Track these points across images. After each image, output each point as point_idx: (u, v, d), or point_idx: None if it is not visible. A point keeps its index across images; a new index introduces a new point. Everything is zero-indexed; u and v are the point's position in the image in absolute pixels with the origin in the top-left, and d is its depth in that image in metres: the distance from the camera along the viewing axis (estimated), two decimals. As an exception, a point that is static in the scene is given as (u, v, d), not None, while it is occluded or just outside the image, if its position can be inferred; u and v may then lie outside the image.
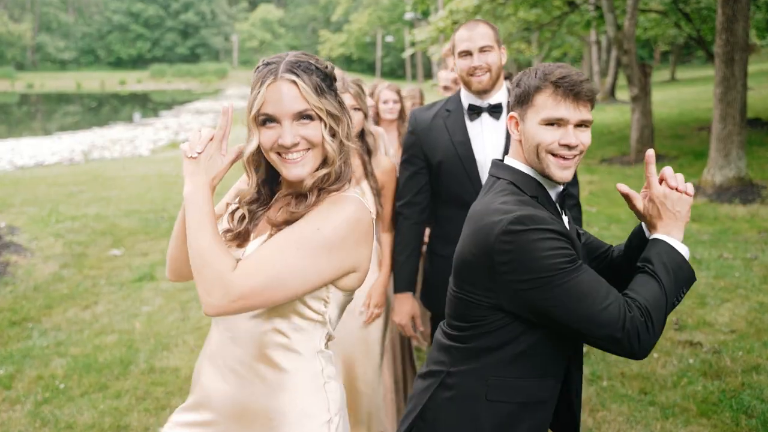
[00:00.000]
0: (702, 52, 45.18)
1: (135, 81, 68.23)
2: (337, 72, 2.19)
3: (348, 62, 73.16)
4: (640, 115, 14.11)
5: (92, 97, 55.08)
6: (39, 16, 77.53)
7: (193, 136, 1.77)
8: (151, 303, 6.19)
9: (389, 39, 59.91)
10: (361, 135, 3.21)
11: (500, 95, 3.07)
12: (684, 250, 1.96)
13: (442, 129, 3.11)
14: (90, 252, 7.77)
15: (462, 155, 3.03)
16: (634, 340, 1.80)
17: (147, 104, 49.43)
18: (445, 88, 4.81)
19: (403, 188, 3.26)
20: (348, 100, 3.15)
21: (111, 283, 6.75)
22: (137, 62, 79.44)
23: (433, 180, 3.19)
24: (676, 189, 1.98)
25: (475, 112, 3.03)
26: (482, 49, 2.99)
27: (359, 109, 3.22)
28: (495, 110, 3.02)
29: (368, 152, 3.24)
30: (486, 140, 3.05)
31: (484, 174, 3.00)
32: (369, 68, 71.84)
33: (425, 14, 23.64)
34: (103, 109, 45.73)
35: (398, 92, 4.97)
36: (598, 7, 17.96)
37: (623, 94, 27.07)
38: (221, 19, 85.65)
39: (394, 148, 4.77)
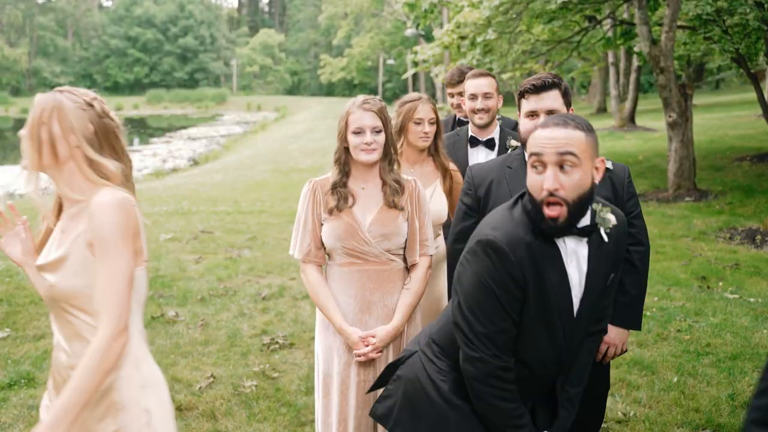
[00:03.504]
0: (711, 76, 43.34)
1: (131, 106, 66.58)
2: None
3: (350, 87, 71.57)
4: (679, 144, 12.02)
5: (87, 123, 53.39)
6: (36, 41, 76.22)
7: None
8: (4, 435, 4.05)
9: (391, 62, 58.25)
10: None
11: None
12: None
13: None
14: (-37, 334, 5.64)
15: None
16: None
17: (142, 130, 47.88)
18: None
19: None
20: None
21: (-35, 392, 4.61)
22: (135, 87, 77.88)
23: None
24: None
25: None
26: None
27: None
28: None
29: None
30: None
31: None
32: (371, 93, 69.93)
33: (428, 33, 21.82)
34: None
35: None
36: (622, 22, 15.97)
37: (643, 120, 25.03)
38: (221, 43, 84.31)
39: None
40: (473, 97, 3.94)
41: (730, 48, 13.80)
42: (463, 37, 13.43)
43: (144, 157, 30.46)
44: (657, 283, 7.14)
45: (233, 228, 10.32)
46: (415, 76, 49.10)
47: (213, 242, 9.36)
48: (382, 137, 3.00)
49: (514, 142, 3.94)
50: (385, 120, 3.01)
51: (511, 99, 42.91)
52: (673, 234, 9.60)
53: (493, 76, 4.01)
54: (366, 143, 2.96)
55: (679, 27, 14.65)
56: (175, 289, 7.05)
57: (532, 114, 2.91)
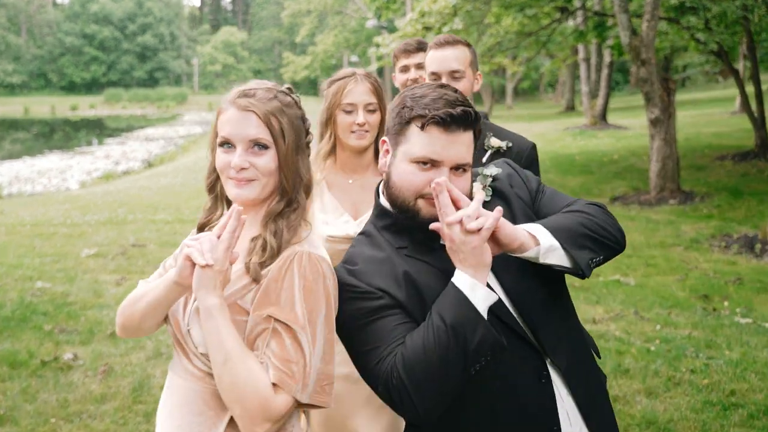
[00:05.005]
0: (677, 74, 43.08)
1: (88, 106, 64.27)
2: None
3: (313, 85, 70.21)
4: (661, 142, 11.11)
5: (42, 123, 51.36)
6: (-14, 38, 73.28)
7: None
8: None
9: (354, 59, 57.06)
10: None
11: None
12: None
13: None
14: None
15: None
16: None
17: (97, 130, 46.09)
18: None
19: None
20: None
21: None
22: (92, 86, 75.19)
23: None
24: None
25: None
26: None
27: None
28: None
29: None
30: None
31: None
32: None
33: (391, 25, 20.61)
34: (54, 136, 42.37)
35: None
36: (596, 13, 15.09)
37: (614, 118, 24.27)
38: (181, 41, 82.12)
39: None
40: (435, 76, 2.70)
41: (712, 40, 13.00)
42: (427, 28, 12.37)
43: (96, 159, 28.91)
44: (655, 304, 6.12)
45: (169, 240, 9.09)
46: (380, 73, 48.05)
47: (142, 258, 8.13)
48: (268, 159, 1.69)
49: (495, 141, 2.78)
50: (279, 128, 1.69)
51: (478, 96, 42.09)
52: (662, 242, 8.65)
53: (467, 45, 2.75)
54: (234, 167, 1.69)
55: (666, 19, 13.79)
56: (83, 320, 5.82)
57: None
